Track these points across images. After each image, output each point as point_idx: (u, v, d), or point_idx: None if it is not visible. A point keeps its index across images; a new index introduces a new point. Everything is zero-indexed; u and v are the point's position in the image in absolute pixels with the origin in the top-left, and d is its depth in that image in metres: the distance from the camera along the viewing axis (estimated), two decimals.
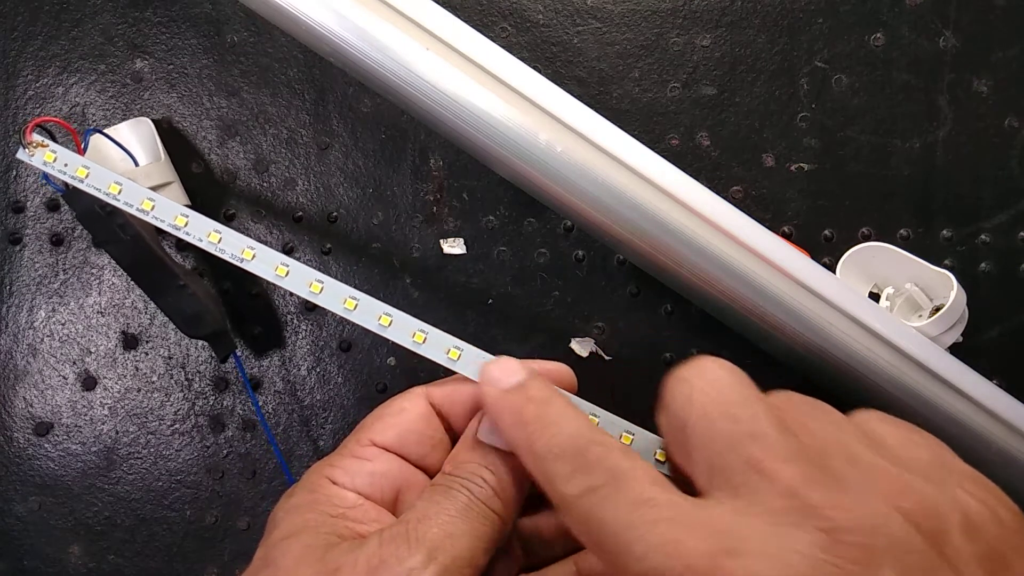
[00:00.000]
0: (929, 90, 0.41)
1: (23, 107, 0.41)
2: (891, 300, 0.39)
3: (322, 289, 0.32)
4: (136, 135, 0.38)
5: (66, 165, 0.33)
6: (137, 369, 0.40)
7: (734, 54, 0.41)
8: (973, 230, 0.41)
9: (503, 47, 0.34)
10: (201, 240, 0.32)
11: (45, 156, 0.33)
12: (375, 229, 0.41)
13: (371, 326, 0.32)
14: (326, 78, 0.41)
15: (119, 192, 0.33)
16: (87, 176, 0.33)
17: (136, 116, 0.41)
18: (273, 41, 0.41)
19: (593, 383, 0.40)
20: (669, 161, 0.34)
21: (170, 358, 0.40)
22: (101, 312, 0.40)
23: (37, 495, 0.39)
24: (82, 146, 0.35)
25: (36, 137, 0.33)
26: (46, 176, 0.34)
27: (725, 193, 0.41)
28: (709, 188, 0.35)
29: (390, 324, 0.32)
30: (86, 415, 0.40)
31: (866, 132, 0.41)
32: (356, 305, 0.32)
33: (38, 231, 0.40)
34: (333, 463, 0.30)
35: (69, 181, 0.33)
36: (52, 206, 0.40)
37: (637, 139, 0.34)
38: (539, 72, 0.34)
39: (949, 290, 0.36)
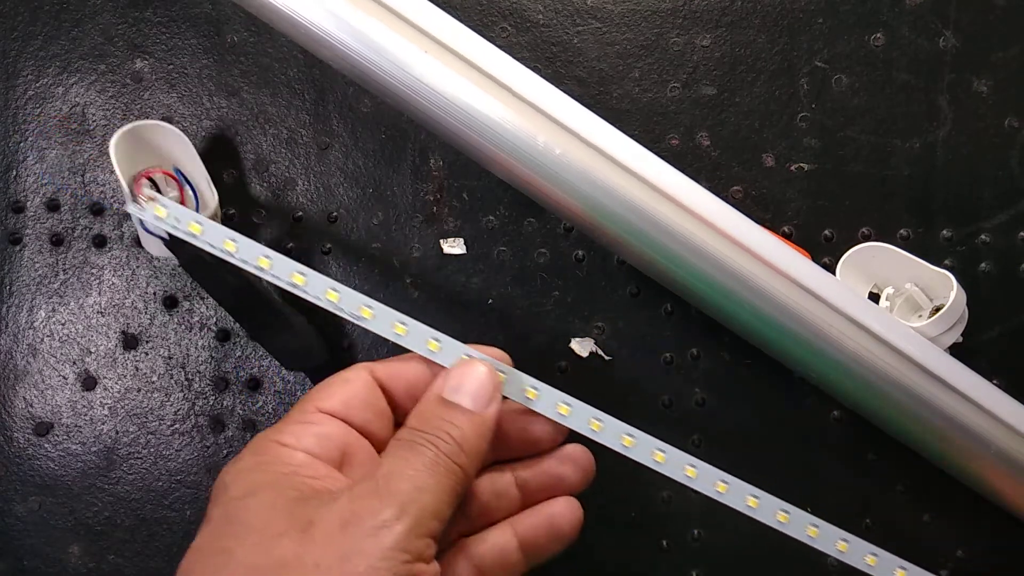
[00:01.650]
0: (929, 90, 0.41)
1: (23, 107, 0.41)
2: (891, 300, 0.39)
3: (407, 331, 0.32)
4: (188, 157, 0.38)
5: (178, 221, 0.33)
6: (137, 369, 0.40)
7: (734, 54, 0.41)
8: (973, 230, 0.41)
9: (503, 47, 0.34)
10: (319, 298, 0.32)
11: (155, 211, 0.33)
12: (375, 229, 0.41)
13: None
14: (326, 78, 0.41)
15: (236, 250, 0.32)
16: (201, 232, 0.32)
17: (136, 116, 0.41)
18: (273, 41, 0.41)
19: (593, 383, 0.40)
20: (669, 161, 0.34)
21: (170, 358, 0.40)
22: (101, 312, 0.40)
23: (37, 495, 0.39)
24: (183, 192, 0.35)
25: (146, 191, 0.33)
26: (143, 225, 0.33)
27: (725, 193, 0.41)
28: (709, 188, 0.35)
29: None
30: (86, 415, 0.40)
31: (866, 132, 0.41)
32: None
33: (38, 231, 0.40)
34: (279, 429, 0.30)
35: (183, 237, 0.32)
36: (52, 206, 0.40)
37: (637, 139, 0.34)
38: (539, 72, 0.34)
39: (949, 290, 0.36)
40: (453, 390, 0.31)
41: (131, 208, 0.33)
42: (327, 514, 0.26)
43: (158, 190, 0.34)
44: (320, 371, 0.37)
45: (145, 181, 0.34)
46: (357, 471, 0.30)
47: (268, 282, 0.33)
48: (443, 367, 0.32)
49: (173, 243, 0.34)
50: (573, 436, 0.33)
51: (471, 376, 0.31)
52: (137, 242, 0.40)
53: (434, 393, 0.31)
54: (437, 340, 0.32)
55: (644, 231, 0.34)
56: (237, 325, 0.40)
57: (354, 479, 0.29)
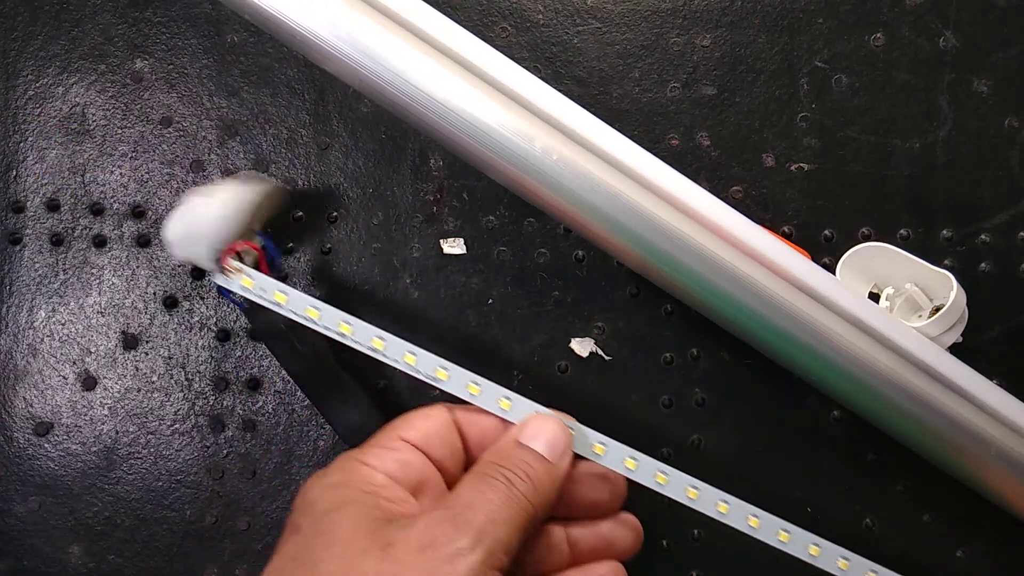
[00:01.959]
0: (929, 90, 0.41)
1: (23, 107, 0.41)
2: (891, 300, 0.39)
3: (480, 391, 0.34)
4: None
5: (263, 291, 0.34)
6: (137, 369, 0.40)
7: (734, 54, 0.41)
8: (973, 230, 0.41)
9: (502, 47, 0.34)
10: (397, 361, 0.34)
11: (243, 281, 0.34)
12: (375, 229, 0.41)
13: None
14: (326, 78, 0.41)
15: (319, 317, 0.34)
16: (286, 301, 0.34)
17: (136, 117, 0.41)
18: (273, 41, 0.41)
19: (593, 383, 0.40)
20: (669, 162, 0.34)
21: (170, 358, 0.40)
22: (101, 312, 0.40)
23: (37, 495, 0.39)
24: (267, 264, 0.36)
25: (232, 262, 0.34)
26: (227, 293, 0.35)
27: (725, 193, 0.41)
28: (709, 188, 0.35)
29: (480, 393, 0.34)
30: (86, 415, 0.40)
31: (866, 132, 0.41)
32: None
33: (38, 231, 0.40)
34: (364, 450, 0.32)
35: (269, 306, 0.34)
36: (52, 206, 0.40)
37: (637, 139, 0.34)
38: (538, 72, 0.34)
39: (949, 290, 0.36)
40: (530, 437, 0.32)
41: (219, 279, 0.34)
42: (406, 536, 0.28)
43: (241, 260, 0.35)
44: None
45: (232, 254, 0.35)
46: (429, 501, 0.31)
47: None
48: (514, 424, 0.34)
49: (250, 313, 0.35)
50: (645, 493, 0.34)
51: (546, 428, 0.32)
52: (137, 242, 0.40)
53: (511, 436, 0.32)
54: (508, 399, 0.34)
55: (642, 236, 0.34)
56: (237, 325, 0.40)
57: (425, 508, 0.31)
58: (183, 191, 0.41)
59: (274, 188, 0.37)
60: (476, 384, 0.34)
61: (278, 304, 0.34)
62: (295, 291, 0.34)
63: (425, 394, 0.39)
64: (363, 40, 0.33)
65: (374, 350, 0.34)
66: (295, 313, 0.34)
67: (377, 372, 0.40)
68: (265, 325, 0.36)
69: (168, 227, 0.35)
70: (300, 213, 0.41)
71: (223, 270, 0.34)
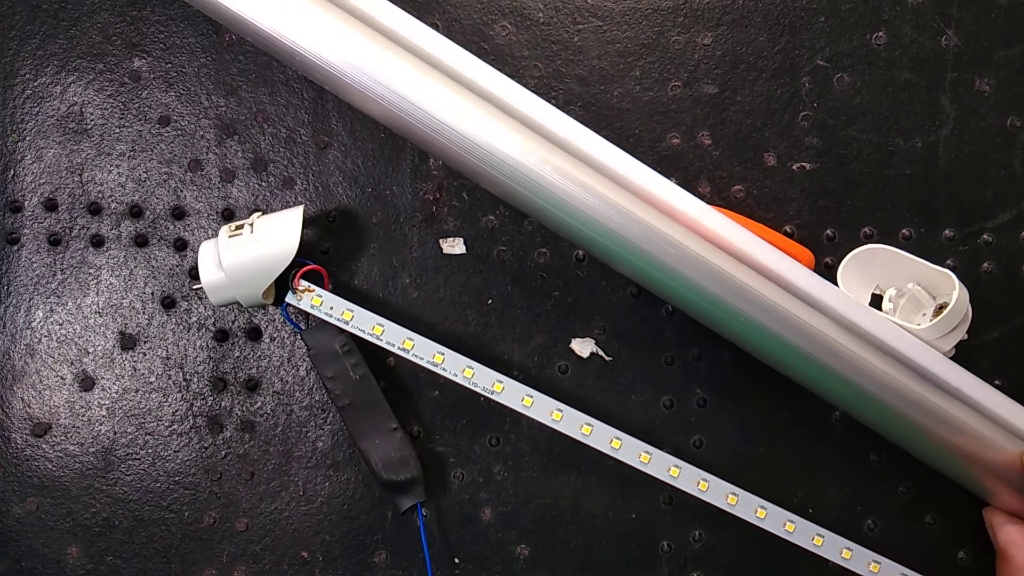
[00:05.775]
0: (931, 89, 0.41)
1: (21, 106, 0.40)
2: (894, 301, 0.38)
3: (562, 417, 0.37)
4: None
5: (331, 308, 0.36)
6: (135, 370, 0.40)
7: (735, 52, 0.41)
8: (975, 230, 0.41)
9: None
10: (456, 375, 0.37)
11: (312, 300, 0.37)
12: (374, 229, 0.41)
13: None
14: None
15: (381, 333, 0.36)
16: (352, 319, 0.36)
17: (134, 115, 0.40)
18: None
19: (594, 384, 0.40)
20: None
21: (168, 358, 0.40)
22: (99, 312, 0.40)
23: (35, 496, 0.39)
24: (328, 285, 0.38)
25: (303, 282, 0.36)
26: (287, 315, 0.37)
27: (726, 192, 0.40)
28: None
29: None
30: (84, 416, 0.40)
31: (868, 131, 0.41)
32: (596, 433, 0.37)
33: (36, 231, 0.40)
34: None
35: (336, 324, 0.36)
36: (50, 206, 0.40)
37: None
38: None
39: (951, 288, 0.36)
40: None
41: (290, 298, 0.36)
42: None
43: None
44: (409, 487, 0.38)
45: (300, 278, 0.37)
46: None
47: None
48: None
49: (306, 336, 0.37)
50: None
51: None
52: (135, 242, 0.40)
53: None
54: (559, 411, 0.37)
55: (640, 247, 0.34)
56: (235, 325, 0.40)
57: None
58: (181, 191, 0.41)
59: (303, 210, 0.38)
60: (530, 397, 0.36)
61: (345, 322, 0.36)
62: (361, 309, 0.36)
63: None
64: (360, 58, 0.33)
65: (434, 364, 0.36)
66: (361, 330, 0.36)
67: (415, 418, 0.40)
68: (321, 347, 0.37)
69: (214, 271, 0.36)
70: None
71: (295, 290, 0.36)
